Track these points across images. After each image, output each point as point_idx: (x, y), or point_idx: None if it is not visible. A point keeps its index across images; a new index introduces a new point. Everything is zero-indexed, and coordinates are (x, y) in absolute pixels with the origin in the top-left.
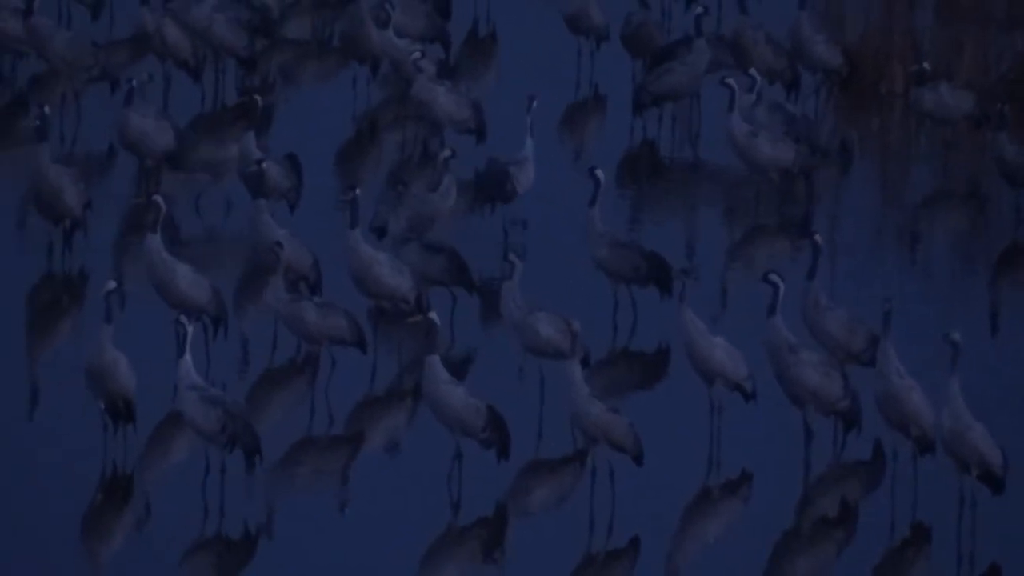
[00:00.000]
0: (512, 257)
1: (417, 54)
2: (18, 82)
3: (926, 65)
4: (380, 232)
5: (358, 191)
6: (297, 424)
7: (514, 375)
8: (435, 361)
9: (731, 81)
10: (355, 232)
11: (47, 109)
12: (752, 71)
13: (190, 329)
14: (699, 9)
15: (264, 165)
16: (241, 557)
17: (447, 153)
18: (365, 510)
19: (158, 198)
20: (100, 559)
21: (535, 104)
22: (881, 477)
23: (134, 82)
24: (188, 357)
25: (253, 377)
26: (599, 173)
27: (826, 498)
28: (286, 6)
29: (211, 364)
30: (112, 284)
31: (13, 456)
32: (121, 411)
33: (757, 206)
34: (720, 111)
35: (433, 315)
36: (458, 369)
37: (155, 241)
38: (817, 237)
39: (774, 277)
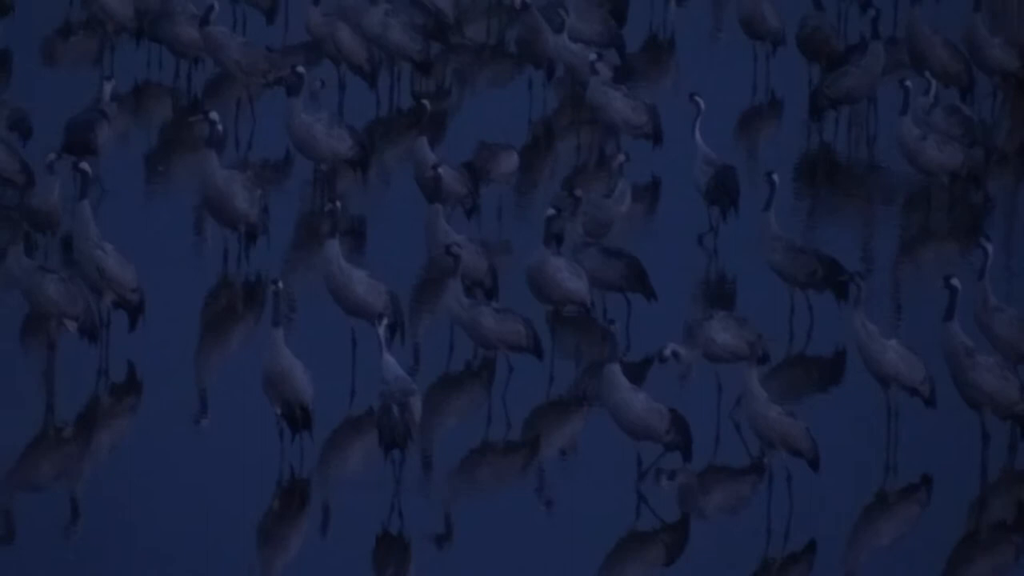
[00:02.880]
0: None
1: (593, 56)
2: (194, 88)
3: None
4: (558, 238)
5: (556, 211)
6: (474, 430)
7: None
8: (615, 369)
9: (908, 83)
10: (547, 250)
11: (214, 115)
12: (928, 74)
13: (382, 329)
14: (874, 12)
15: (440, 170)
16: (420, 561)
17: (622, 158)
18: (544, 515)
19: (336, 204)
20: (276, 566)
21: (701, 103)
22: None
23: (299, 68)
24: (388, 356)
25: (430, 382)
26: (775, 177)
27: (1004, 502)
28: (461, 10)
29: None
30: (279, 285)
31: (189, 463)
32: (298, 417)
33: (929, 209)
34: (896, 113)
35: (614, 324)
36: (637, 374)
37: (333, 247)
38: (985, 240)
39: (954, 281)
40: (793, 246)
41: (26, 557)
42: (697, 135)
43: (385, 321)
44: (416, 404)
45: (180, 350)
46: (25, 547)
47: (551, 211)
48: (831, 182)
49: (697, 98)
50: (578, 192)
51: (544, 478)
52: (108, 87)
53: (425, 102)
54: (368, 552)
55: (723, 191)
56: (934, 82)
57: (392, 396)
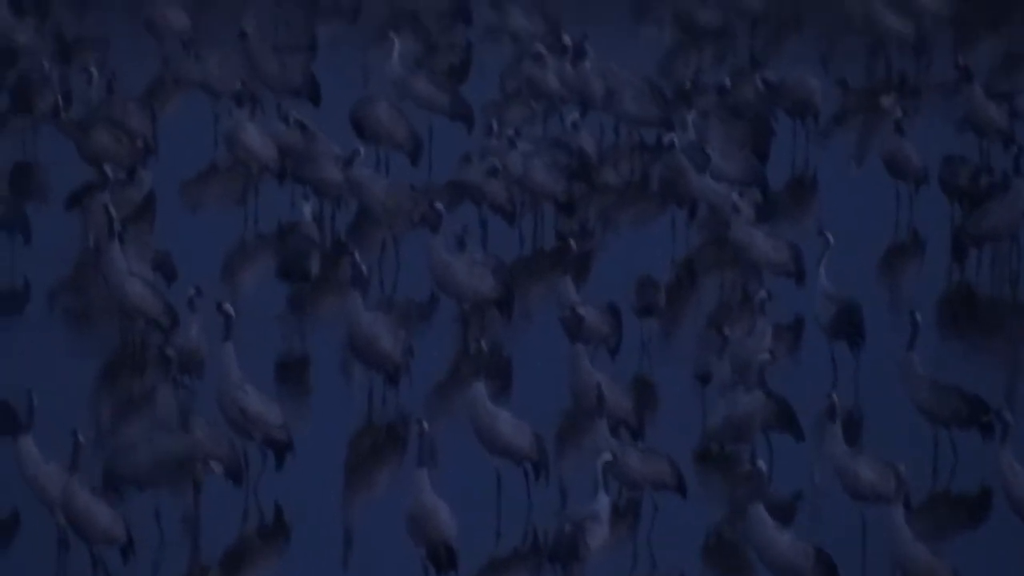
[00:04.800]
0: (835, 399)
1: (735, 195)
2: (337, 229)
3: None
4: (704, 379)
5: (771, 355)
6: (619, 571)
7: (835, 518)
8: (760, 510)
9: None
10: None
11: (358, 256)
12: None
13: (600, 465)
14: (1016, 148)
15: (581, 311)
16: None
17: (763, 295)
18: None
19: (481, 344)
20: None
21: (830, 238)
22: None
23: (438, 205)
24: (603, 494)
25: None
26: (918, 316)
27: None
28: (604, 150)
29: (532, 510)
30: (423, 426)
31: None
32: (442, 558)
33: None
34: None
35: (760, 463)
36: (783, 512)
37: (479, 390)
38: None
39: None
40: (938, 385)
41: None
42: (821, 271)
43: (607, 457)
44: (595, 531)
45: (326, 490)
46: None
47: (765, 355)
48: (974, 320)
49: (826, 233)
50: (726, 331)
51: None
52: (307, 208)
53: (570, 241)
54: None
55: (849, 327)
56: None
57: (569, 516)
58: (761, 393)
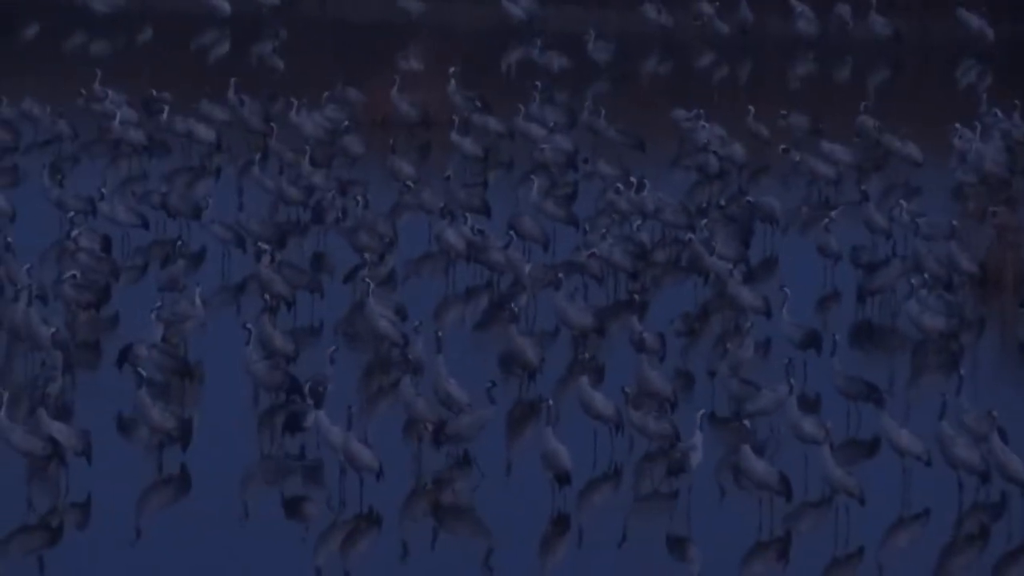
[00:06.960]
0: (792, 383)
1: (729, 266)
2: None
3: None
4: (712, 374)
5: None
6: (664, 482)
7: (790, 453)
8: (746, 448)
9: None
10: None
11: (513, 304)
12: None
13: (700, 414)
14: (892, 241)
15: (642, 335)
16: None
17: (748, 325)
18: None
19: (586, 355)
20: None
21: (788, 292)
22: None
23: (560, 275)
24: (699, 432)
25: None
26: (837, 337)
27: None
28: (655, 243)
29: (614, 452)
30: (549, 402)
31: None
32: (562, 479)
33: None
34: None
35: (746, 422)
36: (760, 451)
37: (583, 381)
38: None
39: None
40: (848, 376)
41: None
42: (784, 312)
43: (703, 412)
44: (694, 456)
45: (494, 440)
46: None
47: (786, 360)
48: (869, 339)
49: (785, 289)
50: (728, 346)
51: None
52: (527, 267)
53: (636, 296)
54: None
55: (814, 343)
56: None
57: (680, 448)
58: (787, 385)
